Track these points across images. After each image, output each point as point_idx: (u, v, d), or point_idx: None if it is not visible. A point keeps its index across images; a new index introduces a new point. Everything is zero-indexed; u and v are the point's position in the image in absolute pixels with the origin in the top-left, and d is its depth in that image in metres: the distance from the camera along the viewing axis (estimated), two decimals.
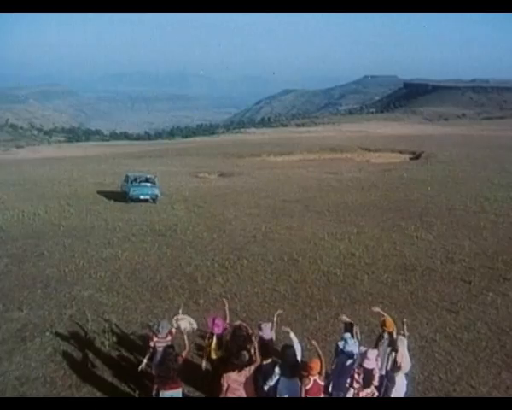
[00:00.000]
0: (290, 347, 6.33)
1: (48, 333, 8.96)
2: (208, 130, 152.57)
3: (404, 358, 6.55)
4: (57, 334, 8.94)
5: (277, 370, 6.10)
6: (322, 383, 5.81)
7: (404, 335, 6.87)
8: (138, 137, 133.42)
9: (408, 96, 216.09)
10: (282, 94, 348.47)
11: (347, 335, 6.88)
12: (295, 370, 5.90)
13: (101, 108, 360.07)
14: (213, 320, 7.10)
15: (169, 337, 7.24)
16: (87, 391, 7.28)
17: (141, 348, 8.41)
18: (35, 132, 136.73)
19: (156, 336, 7.19)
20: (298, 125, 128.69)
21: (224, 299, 8.27)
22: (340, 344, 6.80)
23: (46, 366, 7.94)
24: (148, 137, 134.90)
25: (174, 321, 7.61)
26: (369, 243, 14.33)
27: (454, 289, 10.84)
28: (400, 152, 42.87)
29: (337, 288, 10.93)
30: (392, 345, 6.70)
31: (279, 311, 7.79)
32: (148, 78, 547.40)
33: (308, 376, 5.69)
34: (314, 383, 5.68)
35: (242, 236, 15.17)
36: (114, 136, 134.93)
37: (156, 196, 20.27)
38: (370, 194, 21.77)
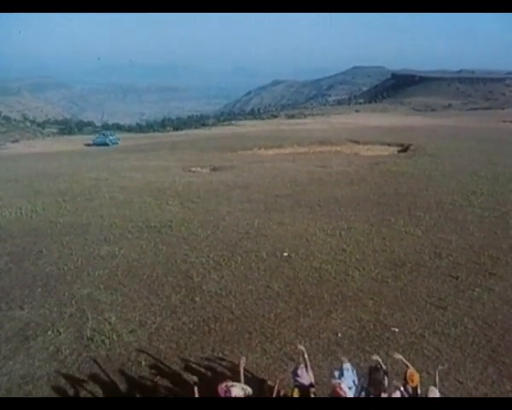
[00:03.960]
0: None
1: (50, 332, 9.07)
2: (199, 121, 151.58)
3: None
4: (59, 332, 9.05)
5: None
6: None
7: (435, 385, 5.89)
8: (130, 129, 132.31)
9: (396, 86, 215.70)
10: (272, 85, 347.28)
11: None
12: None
13: (94, 99, 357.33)
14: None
15: None
16: (90, 389, 7.40)
17: (140, 346, 8.56)
18: (28, 124, 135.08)
19: None
20: (287, 117, 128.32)
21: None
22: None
23: (49, 365, 8.06)
24: (139, 128, 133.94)
25: (221, 390, 5.49)
26: (359, 238, 14.46)
27: (442, 285, 10.99)
28: (388, 145, 42.80)
29: (329, 284, 11.08)
30: None
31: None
32: (139, 69, 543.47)
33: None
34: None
35: (236, 232, 15.27)
36: (107, 127, 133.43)
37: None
38: (360, 188, 21.87)
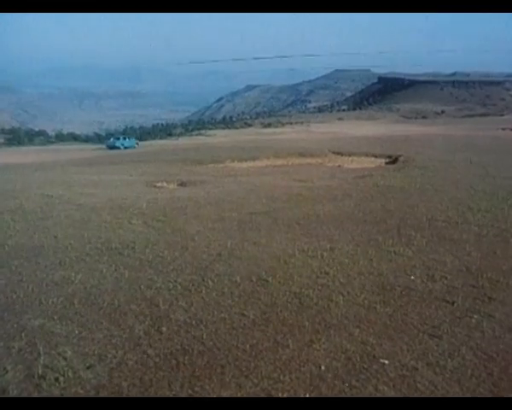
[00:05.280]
0: None
1: None
2: (165, 130, 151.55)
3: None
4: (5, 370, 8.85)
5: None
6: None
7: None
8: (87, 139, 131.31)
9: (383, 91, 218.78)
10: (246, 90, 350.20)
11: None
12: None
13: (45, 105, 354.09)
14: None
15: None
16: None
17: (99, 384, 8.44)
18: None
19: None
20: (263, 126, 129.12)
21: None
22: None
23: None
24: (98, 138, 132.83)
25: None
26: (343, 259, 14.56)
27: (436, 311, 11.06)
28: (375, 156, 43.32)
29: (310, 311, 11.11)
30: None
31: None
32: (96, 72, 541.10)
33: None
34: None
35: (206, 253, 15.23)
36: (61, 137, 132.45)
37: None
38: (344, 204, 22.07)
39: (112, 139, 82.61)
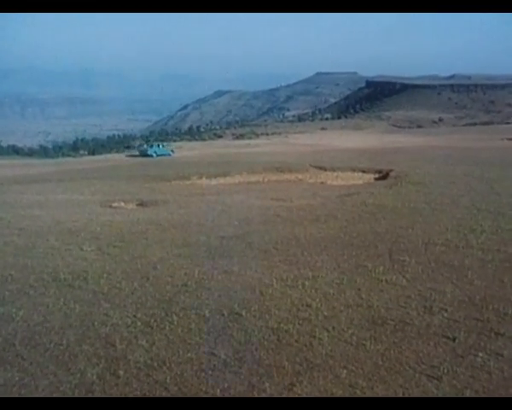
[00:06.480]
0: None
1: None
2: (122, 142, 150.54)
3: None
4: None
5: None
6: None
7: None
8: (31, 152, 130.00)
9: (371, 97, 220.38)
10: (215, 96, 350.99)
11: None
12: None
13: None
14: None
15: None
16: None
17: None
18: None
19: None
20: (235, 137, 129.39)
21: None
22: None
23: None
24: (44, 151, 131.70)
25: None
26: (327, 290, 14.59)
27: (435, 349, 11.12)
28: (363, 171, 43.60)
29: (290, 349, 11.11)
30: None
31: None
32: (41, 75, 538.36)
33: None
34: None
35: (171, 284, 15.18)
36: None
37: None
38: (327, 226, 22.15)
39: (145, 146, 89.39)
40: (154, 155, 76.42)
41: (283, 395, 9.36)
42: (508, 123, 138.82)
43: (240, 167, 46.21)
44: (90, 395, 9.46)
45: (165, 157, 72.45)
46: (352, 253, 18.18)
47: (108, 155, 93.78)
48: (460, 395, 6.92)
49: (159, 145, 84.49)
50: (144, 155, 78.03)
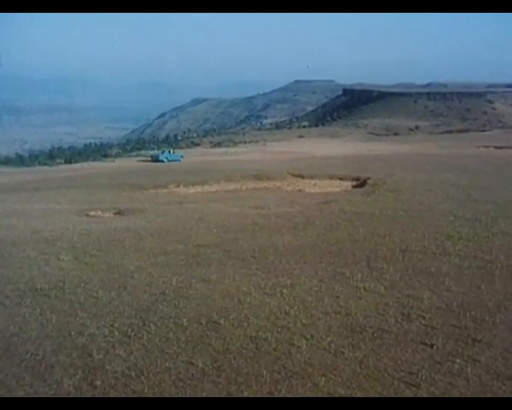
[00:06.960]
0: None
1: None
2: (99, 151, 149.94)
3: None
4: None
5: None
6: None
7: None
8: (7, 161, 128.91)
9: (348, 105, 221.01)
10: (192, 104, 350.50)
11: None
12: None
13: None
14: None
15: None
16: None
17: None
18: None
19: None
20: (212, 145, 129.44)
21: None
22: None
23: None
24: (20, 160, 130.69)
25: None
26: (306, 297, 14.62)
27: (413, 356, 11.17)
28: (341, 179, 43.75)
29: (269, 358, 11.11)
30: None
31: None
32: (16, 83, 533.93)
33: None
34: None
35: (148, 293, 15.12)
36: None
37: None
38: (305, 234, 22.19)
39: (156, 152, 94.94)
40: (166, 160, 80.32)
41: None
42: (484, 131, 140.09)
43: (217, 175, 46.17)
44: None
45: (175, 162, 76.81)
46: (330, 260, 18.23)
47: (85, 164, 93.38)
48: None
49: (170, 151, 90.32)
50: (156, 160, 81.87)
